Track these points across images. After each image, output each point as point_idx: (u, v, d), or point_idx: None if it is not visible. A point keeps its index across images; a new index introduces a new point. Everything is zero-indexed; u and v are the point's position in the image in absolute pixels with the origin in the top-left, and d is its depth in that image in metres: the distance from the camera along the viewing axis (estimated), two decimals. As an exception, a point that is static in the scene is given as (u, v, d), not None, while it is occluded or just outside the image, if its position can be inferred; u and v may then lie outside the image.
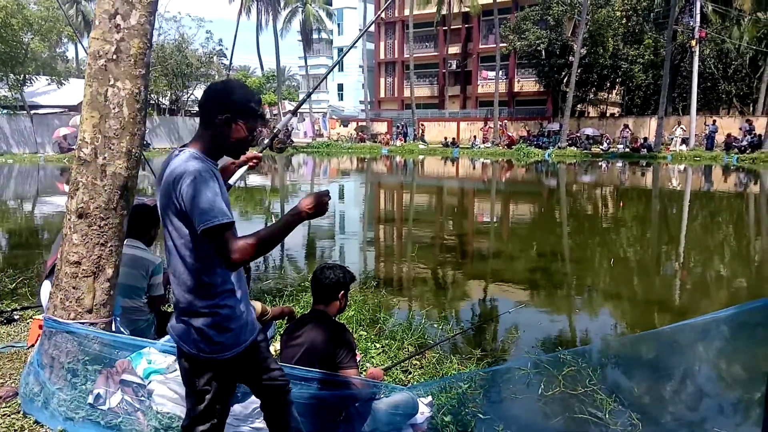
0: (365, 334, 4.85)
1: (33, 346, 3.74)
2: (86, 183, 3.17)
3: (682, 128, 31.63)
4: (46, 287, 3.90)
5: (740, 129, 30.44)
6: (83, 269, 3.17)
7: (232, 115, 2.09)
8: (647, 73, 37.11)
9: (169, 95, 45.62)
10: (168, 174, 2.04)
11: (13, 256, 8.89)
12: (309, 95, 4.92)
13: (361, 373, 3.49)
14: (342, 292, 3.09)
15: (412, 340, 4.79)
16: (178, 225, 2.06)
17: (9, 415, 3.17)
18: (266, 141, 3.04)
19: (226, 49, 49.77)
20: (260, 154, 2.92)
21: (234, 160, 2.64)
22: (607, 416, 3.29)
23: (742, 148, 28.58)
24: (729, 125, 31.87)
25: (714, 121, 31.66)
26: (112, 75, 3.17)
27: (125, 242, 3.47)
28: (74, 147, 3.29)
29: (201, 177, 1.97)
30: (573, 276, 8.15)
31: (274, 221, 2.10)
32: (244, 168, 2.87)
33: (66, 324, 3.16)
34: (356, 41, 5.15)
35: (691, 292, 7.43)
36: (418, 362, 4.37)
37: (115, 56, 3.16)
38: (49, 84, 34.58)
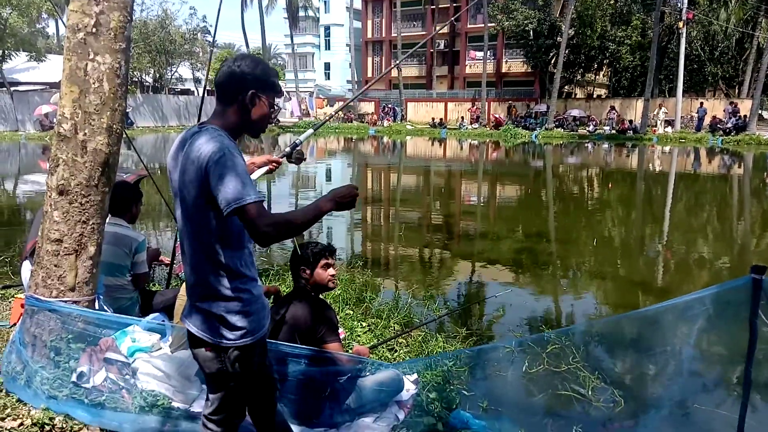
0: (351, 312, 4.87)
1: (15, 325, 3.70)
2: (66, 159, 3.11)
3: (664, 111, 31.77)
4: (26, 267, 3.86)
5: (724, 111, 30.68)
6: (65, 247, 3.12)
7: (256, 91, 2.04)
8: (634, 55, 37.11)
9: (152, 72, 44.89)
10: (192, 151, 1.93)
11: (-6, 235, 8.76)
12: (341, 108, 4.84)
13: (347, 350, 3.50)
14: (303, 267, 3.09)
15: (398, 319, 4.81)
16: (201, 204, 1.95)
17: (-9, 394, 3.14)
18: (287, 150, 3.02)
19: (210, 26, 48.94)
20: (280, 159, 2.89)
21: (253, 160, 2.65)
22: (590, 393, 3.33)
23: (727, 130, 28.83)
24: (714, 107, 32.08)
25: (702, 103, 31.85)
26: (92, 49, 3.09)
27: (107, 220, 3.43)
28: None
29: (230, 154, 1.89)
30: (558, 257, 8.22)
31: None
32: (264, 169, 2.82)
33: (48, 302, 3.12)
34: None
35: (674, 273, 7.52)
36: (404, 341, 4.39)
37: (94, 29, 3.08)
38: (28, 60, 33.84)
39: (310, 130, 3.44)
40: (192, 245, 2.05)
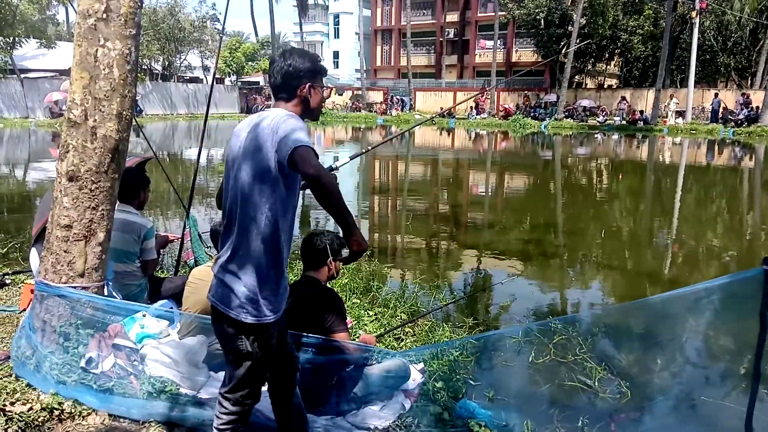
0: (358, 302, 4.88)
1: (25, 310, 3.73)
2: (76, 145, 3.12)
3: (675, 101, 31.46)
4: (35, 253, 3.88)
5: (736, 102, 30.33)
6: (74, 233, 3.14)
7: (312, 82, 2.25)
8: (646, 45, 36.72)
9: (161, 60, 44.90)
10: (265, 120, 2.12)
11: (4, 221, 8.84)
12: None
13: (354, 339, 3.51)
14: (331, 258, 3.07)
15: (404, 309, 4.82)
16: (269, 174, 2.07)
17: (1, 378, 3.17)
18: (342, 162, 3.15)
19: (219, 13, 48.84)
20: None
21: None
22: (596, 384, 3.33)
23: (739, 121, 28.52)
24: (726, 98, 31.72)
25: (716, 94, 31.49)
26: (102, 35, 3.09)
27: (116, 207, 3.44)
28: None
29: (304, 127, 2.10)
30: (566, 248, 8.18)
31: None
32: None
33: (58, 288, 3.14)
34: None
35: (683, 264, 7.48)
36: (410, 330, 4.40)
37: (104, 15, 3.07)
38: (39, 47, 33.90)
39: (347, 159, 3.46)
40: (243, 215, 2.12)
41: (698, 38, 31.25)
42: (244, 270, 2.12)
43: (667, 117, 31.29)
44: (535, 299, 5.82)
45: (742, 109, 29.28)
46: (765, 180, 15.54)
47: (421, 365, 3.37)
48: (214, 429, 2.29)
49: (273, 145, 2.04)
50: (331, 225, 9.40)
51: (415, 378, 3.26)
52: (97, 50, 3.09)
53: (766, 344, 2.10)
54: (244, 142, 2.16)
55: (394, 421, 2.96)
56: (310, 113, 2.30)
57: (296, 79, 2.22)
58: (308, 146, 2.01)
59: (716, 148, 23.80)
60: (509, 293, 5.77)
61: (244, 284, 2.11)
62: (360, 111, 41.87)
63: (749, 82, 37.65)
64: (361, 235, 2.15)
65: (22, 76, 32.09)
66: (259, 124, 2.13)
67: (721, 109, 30.35)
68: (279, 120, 2.09)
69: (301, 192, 2.31)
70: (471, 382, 3.24)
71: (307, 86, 2.23)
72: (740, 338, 2.73)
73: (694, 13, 30.09)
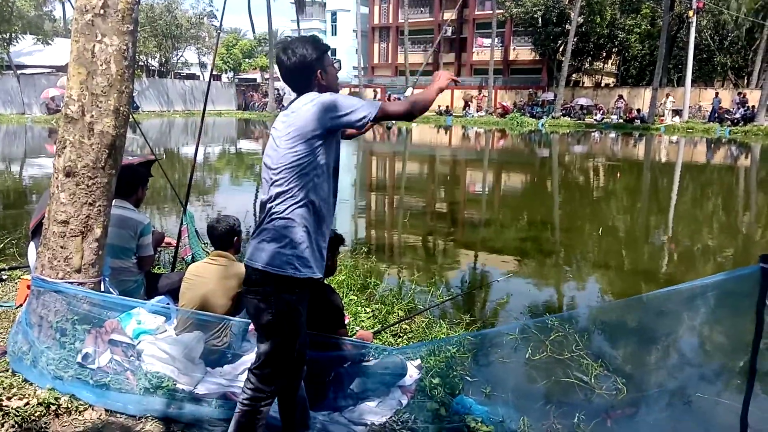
0: (356, 298, 4.88)
1: (21, 306, 3.72)
2: (74, 141, 3.11)
3: (672, 100, 31.52)
4: (32, 248, 3.87)
5: (732, 101, 30.40)
6: (71, 229, 3.13)
7: (322, 67, 2.35)
8: (643, 44, 36.81)
9: (158, 57, 44.80)
10: (302, 100, 2.27)
11: (0, 217, 8.81)
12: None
13: (351, 335, 3.52)
14: (328, 254, 3.07)
15: (401, 305, 4.82)
16: (317, 135, 2.21)
17: (-2, 373, 3.17)
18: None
19: (217, 10, 48.67)
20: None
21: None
22: (592, 380, 3.35)
23: (735, 120, 28.59)
24: (723, 98, 31.79)
25: (717, 93, 31.55)
26: (100, 30, 3.08)
27: (113, 202, 3.43)
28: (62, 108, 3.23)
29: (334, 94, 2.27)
30: (562, 245, 8.20)
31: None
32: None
33: (54, 283, 3.14)
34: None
35: (679, 263, 7.50)
36: (407, 326, 4.40)
37: (102, 11, 3.07)
38: (35, 43, 33.79)
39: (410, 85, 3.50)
40: (281, 178, 2.24)
41: (695, 37, 31.33)
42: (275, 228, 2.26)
43: (664, 116, 31.35)
44: (532, 296, 5.83)
45: (738, 108, 29.35)
46: (761, 179, 15.59)
47: (418, 362, 3.37)
48: (238, 404, 2.36)
49: (322, 120, 2.20)
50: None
51: (412, 374, 3.26)
52: (94, 46, 3.08)
53: (762, 341, 2.11)
54: (284, 123, 2.28)
55: (391, 417, 2.96)
56: (330, 90, 2.38)
57: (306, 71, 2.32)
58: (377, 107, 2.25)
59: (713, 147, 23.85)
60: (506, 290, 5.78)
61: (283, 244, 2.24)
62: (357, 108, 41.68)
63: (745, 81, 37.78)
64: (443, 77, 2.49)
65: (19, 72, 31.99)
66: (299, 105, 2.26)
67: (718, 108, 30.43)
68: (325, 100, 2.22)
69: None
70: (468, 378, 3.25)
71: (318, 72, 2.33)
72: (736, 335, 2.74)
73: (691, 12, 30.13)
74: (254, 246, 2.27)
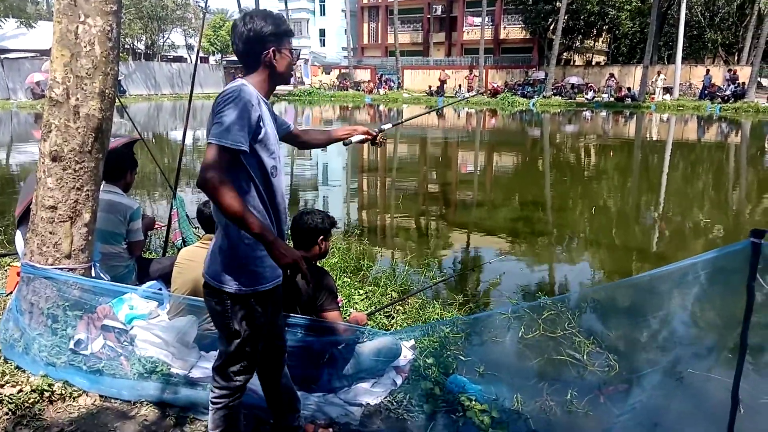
0: (349, 281, 4.88)
1: (12, 293, 3.69)
2: (59, 125, 3.06)
3: (662, 78, 31.50)
4: (20, 235, 3.83)
5: (723, 78, 30.43)
6: (59, 214, 3.09)
7: (277, 46, 2.11)
8: (634, 21, 36.68)
9: (144, 39, 44.18)
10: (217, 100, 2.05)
11: (-12, 204, 8.71)
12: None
13: (345, 317, 3.52)
14: (321, 237, 3.05)
15: (395, 287, 4.83)
16: None
17: (-10, 361, 3.15)
18: (378, 129, 3.02)
19: (204, -9, 47.97)
20: (374, 133, 2.89)
21: (356, 128, 2.81)
22: (585, 358, 3.37)
23: (726, 97, 28.64)
24: (713, 75, 31.82)
25: (708, 70, 31.55)
26: (82, 11, 3.01)
27: (101, 187, 3.39)
28: (46, 90, 3.16)
29: (237, 99, 1.96)
30: (555, 225, 8.23)
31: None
32: (361, 137, 2.84)
33: (44, 270, 3.11)
34: None
35: (672, 240, 7.55)
36: (401, 308, 4.41)
37: (84, -9, 3.00)
38: (18, 27, 33.18)
39: (389, 125, 3.26)
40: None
41: (686, 14, 31.23)
42: (220, 236, 2.14)
43: (654, 93, 31.35)
44: (525, 276, 5.85)
45: (728, 85, 29.39)
46: (751, 155, 15.66)
47: (412, 342, 3.39)
48: (209, 402, 2.29)
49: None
50: (320, 204, 9.37)
51: (406, 355, 3.28)
52: (77, 27, 3.01)
53: (753, 316, 2.12)
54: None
55: (386, 397, 2.98)
56: (280, 78, 2.18)
57: (259, 43, 2.09)
58: (211, 144, 1.91)
59: (704, 124, 23.91)
60: (499, 271, 5.80)
61: (221, 255, 2.12)
62: (347, 90, 41.52)
63: (736, 58, 37.78)
64: (283, 248, 1.96)
65: (2, 56, 31.41)
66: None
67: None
68: (218, 97, 2.00)
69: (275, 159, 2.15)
70: (461, 357, 3.27)
71: (271, 51, 2.10)
72: (728, 311, 2.76)
73: (682, -12, 30.00)
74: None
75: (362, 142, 2.87)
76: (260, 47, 2.09)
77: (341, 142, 2.82)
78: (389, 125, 3.15)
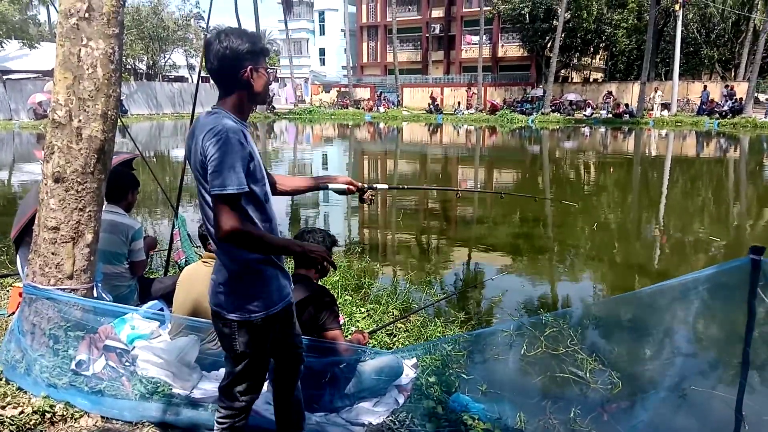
0: (350, 298, 4.88)
1: (14, 314, 3.69)
2: (62, 147, 3.08)
3: (660, 94, 31.70)
4: (22, 255, 3.84)
5: (720, 94, 30.61)
6: (62, 235, 3.11)
7: (254, 65, 2.07)
8: (631, 38, 36.97)
9: (145, 60, 44.56)
10: (199, 131, 2.02)
11: (-11, 224, 8.71)
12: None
13: (346, 336, 3.51)
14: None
15: (396, 305, 4.82)
16: (204, 183, 2.04)
17: (-9, 383, 3.14)
18: (367, 186, 2.93)
19: (203, 11, 48.47)
20: (359, 186, 2.81)
21: (339, 178, 2.73)
22: (587, 375, 3.35)
23: (724, 113, 28.78)
24: (711, 90, 32.02)
25: (705, 86, 31.76)
26: (85, 34, 3.05)
27: (103, 208, 3.41)
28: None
29: (228, 139, 1.94)
30: (556, 241, 8.23)
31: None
32: (343, 187, 2.76)
33: (46, 290, 3.11)
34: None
35: (672, 256, 7.55)
36: (402, 325, 4.40)
37: (87, 15, 3.04)
38: (21, 48, 33.49)
39: (385, 186, 3.16)
40: (206, 215, 2.13)
41: (682, 31, 31.50)
42: (219, 268, 2.17)
43: (652, 110, 31.52)
44: (527, 293, 5.84)
45: (726, 101, 29.56)
46: (751, 171, 15.70)
47: (414, 360, 3.38)
48: (215, 422, 2.29)
49: (204, 169, 2.00)
50: (320, 222, 9.38)
51: (408, 373, 3.26)
52: (80, 50, 3.05)
53: (754, 332, 2.12)
54: (192, 154, 2.07)
55: (388, 417, 2.96)
56: (256, 99, 2.14)
57: (236, 61, 2.03)
58: (221, 194, 1.92)
59: (702, 139, 24.00)
60: (501, 288, 5.79)
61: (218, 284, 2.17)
62: (347, 108, 41.78)
63: (732, 73, 38.04)
64: (308, 246, 2.19)
65: (5, 77, 31.65)
66: (196, 139, 2.03)
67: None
68: (206, 136, 1.96)
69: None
70: (464, 376, 3.25)
71: (249, 69, 2.05)
72: (729, 327, 2.76)
73: (677, 6, 30.30)
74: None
75: (343, 192, 2.77)
76: (237, 65, 2.04)
77: (318, 188, 2.75)
78: (384, 186, 3.07)
